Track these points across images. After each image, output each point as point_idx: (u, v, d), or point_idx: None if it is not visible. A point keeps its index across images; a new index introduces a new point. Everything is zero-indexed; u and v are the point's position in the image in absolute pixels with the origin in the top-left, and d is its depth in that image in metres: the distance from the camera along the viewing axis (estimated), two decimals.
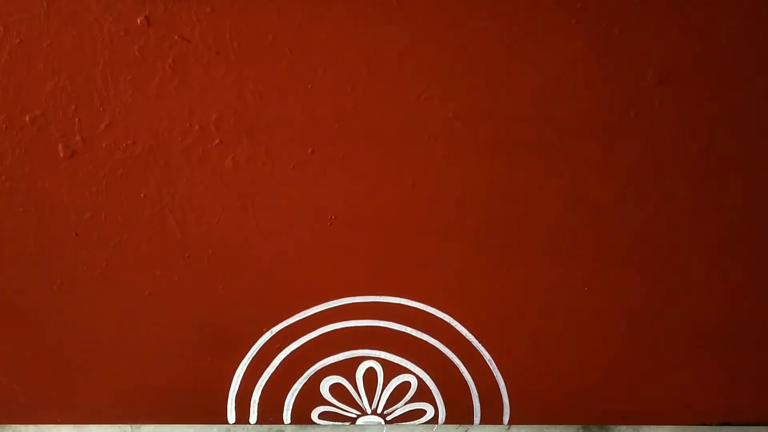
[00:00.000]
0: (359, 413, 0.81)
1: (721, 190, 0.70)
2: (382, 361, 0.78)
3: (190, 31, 0.64)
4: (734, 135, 0.68)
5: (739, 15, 0.65)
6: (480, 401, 0.80)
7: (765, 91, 0.67)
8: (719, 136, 0.68)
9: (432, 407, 0.80)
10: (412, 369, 0.79)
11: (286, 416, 0.80)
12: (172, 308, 0.74)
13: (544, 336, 0.76)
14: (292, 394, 0.79)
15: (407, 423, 0.82)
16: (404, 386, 0.79)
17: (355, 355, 0.78)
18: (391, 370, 0.79)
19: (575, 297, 0.75)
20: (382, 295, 0.75)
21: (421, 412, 0.81)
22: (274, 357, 0.77)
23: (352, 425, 0.82)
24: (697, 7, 0.65)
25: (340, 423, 0.82)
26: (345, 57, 0.65)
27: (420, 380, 0.79)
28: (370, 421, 0.82)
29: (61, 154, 0.68)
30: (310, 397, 0.80)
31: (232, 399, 0.79)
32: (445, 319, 0.76)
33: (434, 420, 0.81)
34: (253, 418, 0.80)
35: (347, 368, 0.78)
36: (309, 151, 0.69)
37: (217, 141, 0.68)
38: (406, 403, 0.80)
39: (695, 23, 0.65)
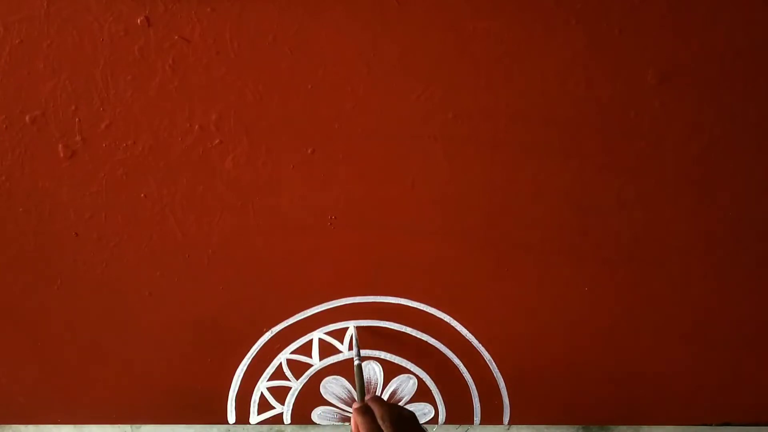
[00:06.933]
0: None
1: (721, 191, 0.70)
2: (382, 361, 0.78)
3: (190, 31, 0.64)
4: (734, 135, 0.68)
5: (739, 15, 0.65)
6: (480, 401, 0.80)
7: (765, 91, 0.67)
8: (719, 136, 0.68)
9: (432, 407, 0.80)
10: (412, 369, 0.79)
11: (286, 416, 0.80)
12: (172, 308, 0.74)
13: (544, 336, 0.76)
14: (292, 394, 0.79)
15: None
16: (404, 386, 0.79)
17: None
18: (391, 370, 0.79)
19: (575, 297, 0.75)
20: (382, 295, 0.75)
21: (421, 412, 0.81)
22: (274, 357, 0.77)
23: None
24: (697, 7, 0.65)
25: (340, 423, 0.82)
26: (345, 57, 0.65)
27: (420, 380, 0.79)
28: None
29: (61, 154, 0.68)
30: (310, 397, 0.80)
31: (232, 399, 0.79)
32: (445, 319, 0.76)
33: (434, 420, 0.81)
34: (253, 418, 0.80)
35: (347, 368, 0.78)
36: (309, 151, 0.69)
37: (217, 141, 0.68)
38: (406, 403, 0.80)
39: (695, 23, 0.65)
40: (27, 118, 0.66)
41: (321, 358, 0.78)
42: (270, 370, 0.78)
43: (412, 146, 0.68)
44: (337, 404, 0.80)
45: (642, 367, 0.78)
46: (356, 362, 0.71)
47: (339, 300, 0.75)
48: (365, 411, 0.58)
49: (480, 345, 0.77)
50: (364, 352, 0.78)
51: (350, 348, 0.77)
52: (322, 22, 0.64)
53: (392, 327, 0.76)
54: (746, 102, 0.67)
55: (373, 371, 0.79)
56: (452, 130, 0.68)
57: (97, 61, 0.65)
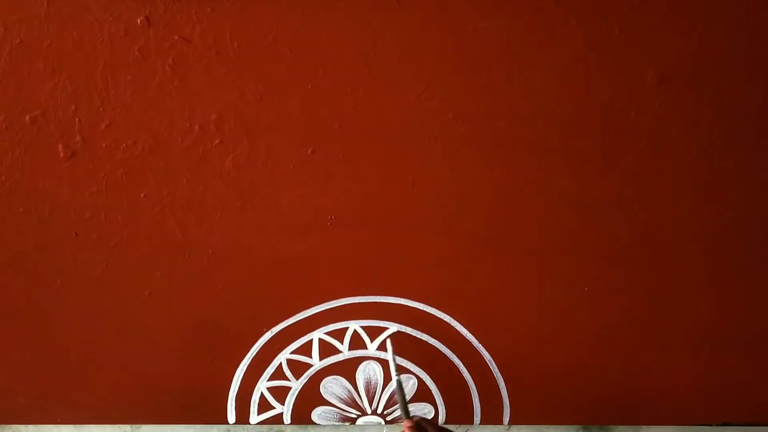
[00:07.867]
0: (359, 413, 0.81)
1: (720, 190, 0.70)
2: (383, 362, 0.78)
3: (190, 31, 0.64)
4: (734, 135, 0.68)
5: (739, 15, 0.65)
6: (480, 401, 0.80)
7: (765, 91, 0.67)
8: (719, 136, 0.68)
9: (432, 407, 0.80)
10: (412, 369, 0.79)
11: (286, 416, 0.80)
12: (172, 308, 0.74)
13: (544, 336, 0.76)
14: (292, 394, 0.79)
15: None
16: (404, 386, 0.79)
17: (355, 355, 0.78)
18: None
19: (575, 297, 0.75)
20: (382, 295, 0.75)
21: (421, 413, 0.81)
22: (274, 357, 0.77)
23: (352, 425, 0.82)
24: (697, 7, 0.65)
25: (340, 423, 0.82)
26: (345, 57, 0.65)
27: (420, 380, 0.79)
28: (370, 421, 0.82)
29: (61, 154, 0.68)
30: (310, 397, 0.80)
31: (232, 399, 0.79)
32: (445, 319, 0.76)
33: (434, 420, 0.81)
34: (253, 418, 0.80)
35: (347, 368, 0.78)
36: (309, 151, 0.69)
37: (217, 141, 0.68)
38: None
39: (695, 23, 0.65)
40: (27, 118, 0.66)
41: (321, 358, 0.78)
42: (270, 370, 0.78)
43: (412, 146, 0.68)
44: (337, 404, 0.80)
45: (642, 367, 0.78)
46: (395, 378, 0.71)
47: (339, 300, 0.75)
48: (419, 430, 0.61)
49: (480, 345, 0.77)
50: (363, 353, 0.78)
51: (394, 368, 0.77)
52: (322, 22, 0.64)
53: (392, 327, 0.76)
54: (746, 102, 0.67)
55: (373, 371, 0.79)
56: (452, 130, 0.68)
57: (97, 61, 0.65)
